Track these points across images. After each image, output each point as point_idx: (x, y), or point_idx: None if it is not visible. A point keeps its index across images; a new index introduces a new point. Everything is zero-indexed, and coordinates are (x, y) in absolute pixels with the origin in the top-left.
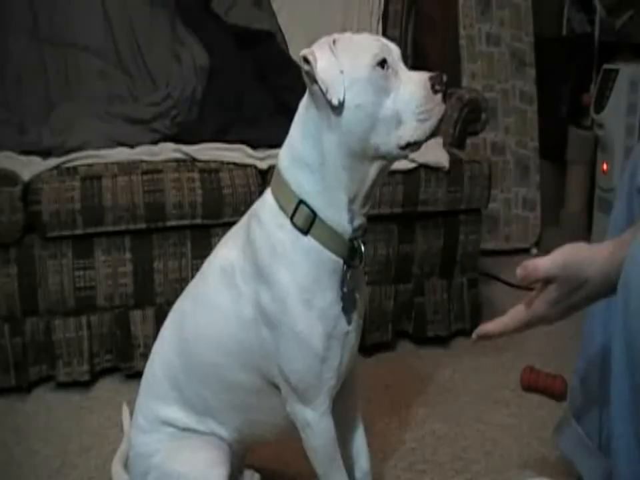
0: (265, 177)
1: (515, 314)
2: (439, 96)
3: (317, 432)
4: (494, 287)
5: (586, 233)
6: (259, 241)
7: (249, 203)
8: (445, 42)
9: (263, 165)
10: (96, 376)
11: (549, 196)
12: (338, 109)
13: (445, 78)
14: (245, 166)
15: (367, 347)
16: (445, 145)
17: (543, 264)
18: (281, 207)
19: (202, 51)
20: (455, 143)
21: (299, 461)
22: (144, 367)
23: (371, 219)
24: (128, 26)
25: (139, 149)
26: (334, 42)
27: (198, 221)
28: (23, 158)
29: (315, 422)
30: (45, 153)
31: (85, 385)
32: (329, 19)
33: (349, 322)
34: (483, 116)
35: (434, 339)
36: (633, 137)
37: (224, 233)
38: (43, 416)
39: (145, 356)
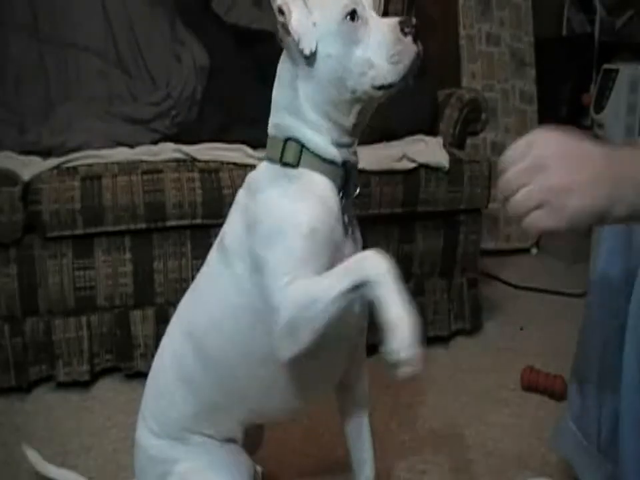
0: None
1: None
2: (409, 38)
3: (287, 302)
4: (494, 287)
5: (586, 233)
6: (252, 205)
7: None
8: (445, 42)
9: None
10: (96, 376)
11: None
12: (310, 58)
13: (414, 20)
14: (244, 166)
15: (367, 347)
16: (444, 145)
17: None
18: (269, 159)
19: (202, 51)
20: (455, 143)
21: (299, 461)
22: (144, 366)
23: (371, 218)
24: (128, 26)
25: (138, 149)
26: None
27: (198, 221)
28: (23, 158)
29: (281, 298)
30: (45, 153)
31: (85, 385)
32: None
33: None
34: (483, 116)
35: (434, 338)
36: (633, 136)
37: None
38: (42, 416)
39: (145, 356)
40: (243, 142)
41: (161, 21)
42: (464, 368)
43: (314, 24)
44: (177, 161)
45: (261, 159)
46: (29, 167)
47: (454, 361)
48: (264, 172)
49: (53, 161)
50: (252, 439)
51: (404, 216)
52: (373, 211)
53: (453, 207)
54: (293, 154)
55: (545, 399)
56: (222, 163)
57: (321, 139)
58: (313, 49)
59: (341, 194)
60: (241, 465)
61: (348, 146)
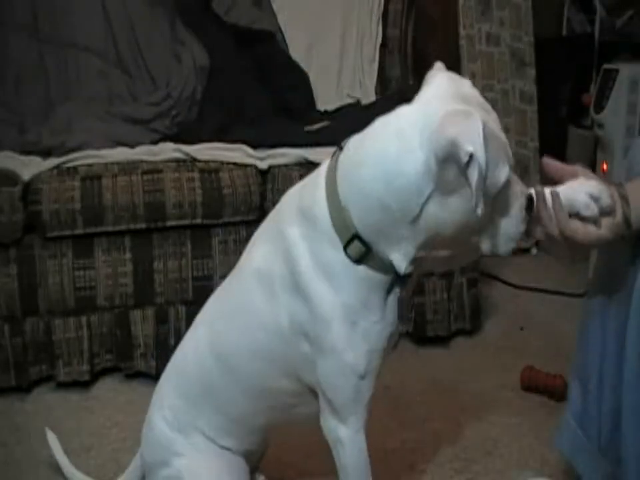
0: (265, 177)
1: None
2: (528, 218)
3: (349, 450)
4: (494, 287)
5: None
6: (301, 251)
7: (249, 203)
8: (445, 42)
9: (263, 165)
10: (96, 376)
11: None
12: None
13: (533, 205)
14: (244, 166)
15: None
16: None
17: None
18: (336, 230)
19: (202, 51)
20: None
21: (299, 461)
22: (144, 366)
23: None
24: (128, 26)
25: (138, 149)
26: (485, 126)
27: (198, 221)
28: (23, 158)
29: (348, 439)
30: (45, 153)
31: (85, 385)
32: (329, 19)
33: (397, 327)
34: None
35: (434, 338)
36: (633, 136)
37: (224, 233)
38: (42, 416)
39: (145, 356)
40: (242, 142)
41: (161, 21)
42: (464, 368)
43: (485, 178)
44: (177, 161)
45: (261, 159)
46: (29, 167)
47: (454, 360)
48: (321, 233)
49: (53, 161)
50: (260, 449)
51: None
52: None
53: None
54: (357, 253)
55: (545, 399)
56: (222, 162)
57: (391, 251)
58: (481, 212)
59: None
60: (239, 475)
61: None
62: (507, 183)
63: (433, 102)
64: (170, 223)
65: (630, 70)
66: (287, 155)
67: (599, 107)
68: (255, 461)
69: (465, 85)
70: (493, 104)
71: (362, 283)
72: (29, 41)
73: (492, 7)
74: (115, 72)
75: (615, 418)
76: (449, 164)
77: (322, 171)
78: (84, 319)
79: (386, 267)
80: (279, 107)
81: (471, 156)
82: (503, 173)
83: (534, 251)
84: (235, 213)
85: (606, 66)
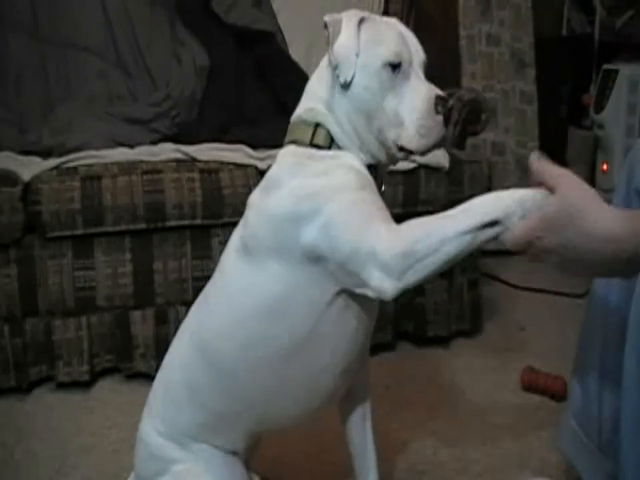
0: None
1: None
2: (440, 117)
3: (390, 242)
4: (494, 287)
5: None
6: (285, 181)
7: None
8: (445, 42)
9: (262, 165)
10: (96, 376)
11: None
12: (345, 85)
13: (451, 102)
14: (244, 166)
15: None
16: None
17: (551, 171)
18: (297, 143)
19: (202, 51)
20: (455, 143)
21: (299, 462)
22: (144, 367)
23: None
24: (128, 26)
25: (138, 149)
26: (362, 20)
27: (198, 221)
28: (23, 158)
29: (392, 292)
30: (45, 153)
31: (85, 385)
32: None
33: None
34: (483, 116)
35: (434, 338)
36: (633, 137)
37: (224, 233)
38: (42, 416)
39: (145, 356)
40: (242, 142)
41: (160, 21)
42: (464, 368)
43: (357, 54)
44: (177, 161)
45: (261, 159)
46: (29, 167)
47: (454, 361)
48: (284, 163)
49: (53, 161)
50: (250, 451)
51: (404, 216)
52: None
53: (453, 207)
54: (324, 138)
55: (545, 399)
56: (222, 163)
57: (349, 142)
58: (349, 80)
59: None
60: (236, 478)
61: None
62: (396, 71)
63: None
64: (170, 223)
65: (630, 70)
66: None
67: (599, 107)
68: (246, 459)
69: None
70: (493, 104)
71: (348, 168)
72: (28, 41)
73: (492, 7)
74: (114, 72)
75: (615, 418)
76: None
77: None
78: (84, 319)
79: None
80: (278, 107)
81: (325, 24)
82: (382, 52)
83: None
84: (234, 213)
85: (606, 66)
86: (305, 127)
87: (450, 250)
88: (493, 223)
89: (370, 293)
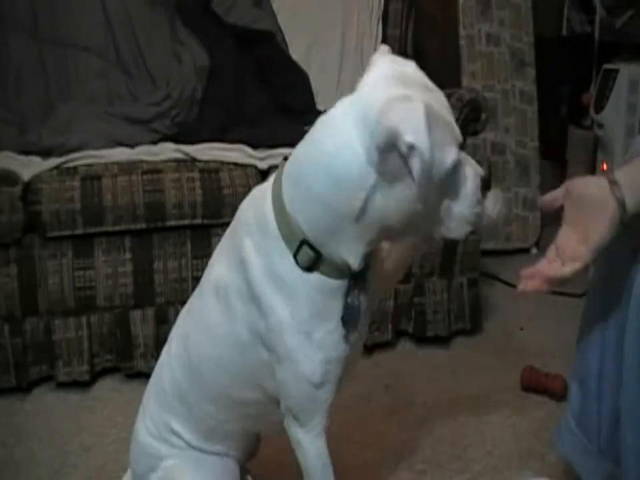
0: (265, 177)
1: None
2: (484, 199)
3: (308, 453)
4: (494, 287)
5: None
6: (254, 262)
7: None
8: (445, 42)
9: (263, 165)
10: (96, 376)
11: None
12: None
13: (486, 177)
14: (244, 166)
15: (367, 347)
16: None
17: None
18: (283, 238)
19: (202, 51)
20: None
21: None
22: (144, 366)
23: None
24: (128, 26)
25: (138, 149)
26: (427, 111)
27: (198, 221)
28: (23, 158)
29: (306, 443)
30: (45, 153)
31: (85, 385)
32: (329, 19)
33: (351, 337)
34: (483, 116)
35: (434, 338)
36: (633, 136)
37: (224, 233)
38: (42, 416)
39: (145, 356)
40: (242, 142)
41: (161, 21)
42: (464, 368)
43: (430, 163)
44: (177, 160)
45: (261, 159)
46: (29, 167)
47: (454, 360)
48: (271, 241)
49: (53, 161)
50: (247, 450)
51: None
52: None
53: None
54: (308, 261)
55: (545, 399)
56: (222, 163)
57: (344, 252)
58: (425, 201)
59: (350, 282)
60: (227, 474)
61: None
62: (456, 165)
63: (370, 88)
64: (170, 223)
65: (630, 70)
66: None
67: (599, 107)
68: (243, 461)
69: (409, 67)
70: (493, 104)
71: (315, 291)
72: (28, 41)
73: (492, 6)
74: (115, 72)
75: (615, 418)
76: (391, 154)
77: (269, 182)
78: (84, 319)
79: (339, 271)
80: (278, 107)
81: (412, 146)
82: (449, 155)
83: (534, 250)
84: (234, 213)
85: (606, 66)
86: (292, 231)
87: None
88: None
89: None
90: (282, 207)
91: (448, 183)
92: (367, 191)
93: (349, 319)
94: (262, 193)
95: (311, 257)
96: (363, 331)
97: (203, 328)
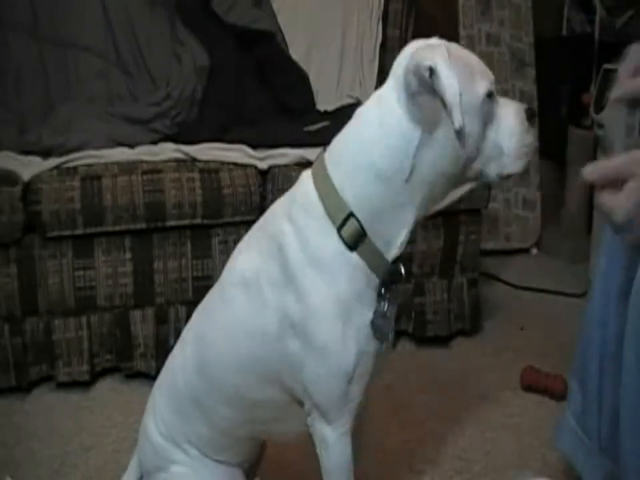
0: (265, 177)
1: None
2: (533, 130)
3: (332, 452)
4: (494, 287)
5: (586, 233)
6: (293, 245)
7: (249, 203)
8: None
9: (263, 165)
10: (96, 376)
11: (548, 196)
12: (458, 132)
13: (531, 107)
14: (244, 166)
15: None
16: None
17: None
18: (329, 214)
19: (202, 51)
20: None
21: (298, 461)
22: (144, 367)
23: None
24: (128, 26)
25: (138, 149)
26: (448, 54)
27: (198, 221)
28: (23, 158)
29: (332, 441)
30: (45, 153)
31: (85, 385)
32: (329, 19)
33: (384, 341)
34: None
35: (434, 338)
36: (633, 136)
37: (224, 233)
38: (42, 416)
39: (145, 356)
40: (242, 142)
41: (160, 21)
42: (464, 368)
43: (460, 94)
44: (177, 160)
45: (261, 159)
46: (29, 167)
47: (454, 360)
48: (313, 220)
49: (53, 161)
50: (254, 459)
51: None
52: None
53: (453, 207)
54: (353, 235)
55: (545, 399)
56: (222, 163)
57: (389, 231)
58: (462, 124)
59: (382, 289)
60: None
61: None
62: (492, 98)
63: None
64: (170, 223)
65: None
66: (287, 155)
67: (599, 107)
68: (250, 469)
69: (433, 39)
70: None
71: (356, 272)
72: (28, 41)
73: (492, 6)
74: (115, 72)
75: (615, 417)
76: (421, 94)
77: (304, 175)
78: (84, 319)
79: (377, 259)
80: (278, 107)
81: (431, 69)
82: (481, 85)
83: (534, 251)
84: (234, 213)
85: (606, 66)
86: (338, 204)
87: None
88: None
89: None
90: (327, 183)
91: (489, 117)
92: (414, 147)
93: (378, 328)
94: (298, 184)
95: (357, 230)
96: (390, 337)
97: (222, 326)
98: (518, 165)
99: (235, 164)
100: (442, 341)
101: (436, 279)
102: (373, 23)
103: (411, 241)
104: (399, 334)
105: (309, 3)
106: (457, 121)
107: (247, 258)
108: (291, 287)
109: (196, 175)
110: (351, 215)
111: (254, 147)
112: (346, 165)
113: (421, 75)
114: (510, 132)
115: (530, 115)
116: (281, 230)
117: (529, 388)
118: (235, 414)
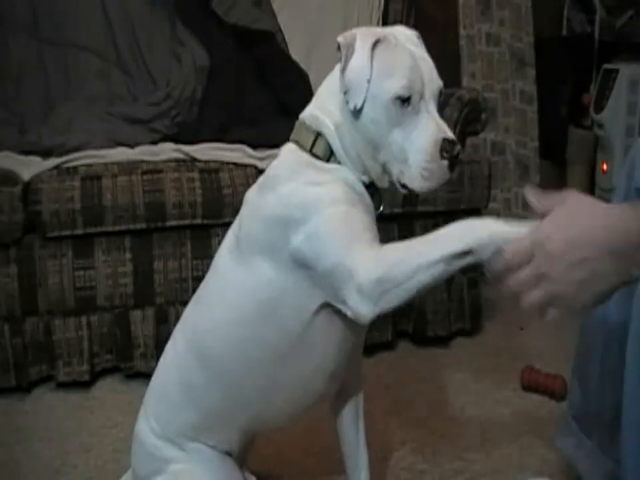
0: None
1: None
2: (445, 162)
3: (368, 264)
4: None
5: None
6: (283, 183)
7: None
8: (445, 42)
9: (262, 165)
10: (96, 376)
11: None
12: (355, 111)
13: (457, 149)
14: (244, 166)
15: (367, 347)
16: None
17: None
18: (300, 138)
19: (202, 51)
20: None
21: (298, 460)
22: (144, 367)
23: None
24: (128, 26)
25: (138, 149)
26: (376, 42)
27: (198, 221)
28: (23, 158)
29: (361, 259)
30: (45, 153)
31: (85, 385)
32: (329, 18)
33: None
34: (483, 116)
35: (434, 338)
36: (633, 136)
37: (224, 233)
38: (42, 416)
39: (145, 356)
40: (242, 142)
41: (160, 21)
42: (464, 368)
43: (368, 80)
44: (177, 160)
45: (261, 159)
46: (29, 167)
47: (454, 360)
48: (284, 164)
49: (53, 161)
50: (245, 450)
51: (404, 216)
52: None
53: (453, 207)
54: (323, 149)
55: (545, 399)
56: (222, 163)
57: (351, 160)
58: (358, 107)
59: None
60: (232, 478)
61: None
62: (406, 105)
63: None
64: (170, 223)
65: (630, 70)
66: None
67: (599, 107)
68: (240, 458)
69: (408, 31)
70: (493, 104)
71: (340, 176)
72: (28, 41)
73: (492, 6)
74: (115, 72)
75: (615, 418)
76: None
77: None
78: (84, 319)
79: (349, 176)
80: (279, 107)
81: (339, 45)
82: (393, 85)
83: None
84: (235, 213)
85: (606, 66)
86: (307, 133)
87: (424, 278)
88: (466, 253)
89: (348, 313)
90: (299, 126)
91: (398, 121)
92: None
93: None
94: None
95: (326, 147)
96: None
97: (219, 293)
98: (416, 182)
99: (235, 164)
100: (442, 340)
101: None
102: (373, 23)
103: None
104: (399, 334)
105: (308, 3)
106: (352, 102)
107: (232, 229)
108: (289, 213)
109: (196, 175)
110: (318, 134)
111: (254, 147)
112: (312, 107)
113: (336, 51)
114: (418, 146)
115: (446, 147)
116: (272, 180)
117: (528, 388)
118: (224, 393)
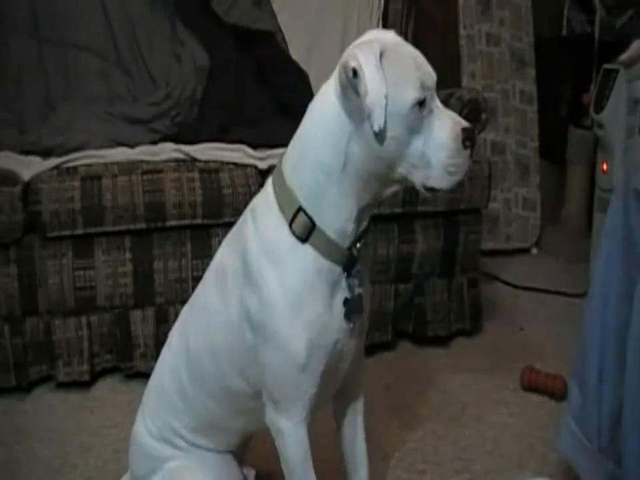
0: (264, 177)
1: None
2: (468, 151)
3: (288, 442)
4: (494, 287)
5: (586, 233)
6: (251, 238)
7: (248, 203)
8: (445, 42)
9: (263, 165)
10: (96, 376)
11: (549, 196)
12: (378, 134)
13: (477, 133)
14: (244, 166)
15: (367, 347)
16: None
17: None
18: (281, 209)
19: (202, 51)
20: None
21: None
22: (144, 367)
23: (371, 218)
24: (128, 26)
25: (138, 149)
26: (381, 55)
27: (198, 221)
28: (23, 158)
29: (287, 432)
30: (45, 153)
31: (85, 385)
32: (329, 18)
33: (351, 326)
34: (483, 116)
35: (434, 338)
36: (633, 136)
37: (224, 232)
38: (42, 416)
39: (145, 356)
40: (242, 142)
41: (160, 21)
42: (464, 368)
43: (385, 96)
44: (177, 160)
45: (261, 159)
46: (29, 167)
47: (454, 360)
48: (269, 216)
49: (53, 161)
50: (244, 445)
51: (404, 216)
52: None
53: (453, 207)
54: (302, 228)
55: (545, 399)
56: (222, 163)
57: (338, 221)
58: (382, 126)
59: (344, 274)
60: (230, 474)
61: (368, 215)
62: (423, 107)
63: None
64: (170, 223)
65: (630, 70)
66: None
67: (599, 107)
68: (240, 455)
69: (388, 33)
70: (493, 104)
71: (308, 265)
72: (28, 41)
73: (492, 6)
74: (115, 72)
75: (615, 418)
76: (349, 89)
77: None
78: (84, 319)
79: (332, 248)
80: (278, 107)
81: (354, 71)
82: (410, 93)
83: (534, 250)
84: (235, 213)
85: (606, 66)
86: (290, 200)
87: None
88: None
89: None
90: (281, 180)
91: (417, 126)
92: (346, 138)
93: (348, 313)
94: (265, 185)
95: (306, 224)
96: (365, 325)
97: (202, 315)
98: (444, 181)
99: (235, 164)
100: (442, 341)
101: (436, 279)
102: (373, 23)
103: (410, 240)
104: (399, 334)
105: (308, 3)
106: (377, 124)
107: (220, 255)
108: (248, 280)
109: (196, 175)
110: (300, 209)
111: (254, 147)
112: (294, 158)
113: (346, 72)
114: (439, 145)
115: (468, 136)
116: (245, 224)
117: (529, 388)
118: (216, 404)
